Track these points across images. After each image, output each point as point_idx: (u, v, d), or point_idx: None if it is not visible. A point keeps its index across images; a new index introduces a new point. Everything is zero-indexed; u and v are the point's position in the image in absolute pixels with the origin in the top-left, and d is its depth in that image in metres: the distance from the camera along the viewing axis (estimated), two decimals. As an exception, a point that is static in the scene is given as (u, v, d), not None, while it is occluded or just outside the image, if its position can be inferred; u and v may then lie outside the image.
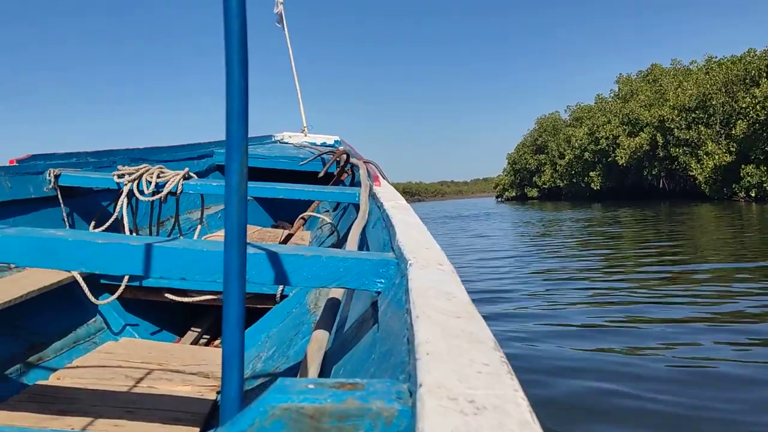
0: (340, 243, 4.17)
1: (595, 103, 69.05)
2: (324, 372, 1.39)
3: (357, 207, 3.91)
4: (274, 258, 1.47)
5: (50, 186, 3.80)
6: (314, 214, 5.39)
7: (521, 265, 10.29)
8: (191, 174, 3.74)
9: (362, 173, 4.06)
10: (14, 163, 3.67)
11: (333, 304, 1.56)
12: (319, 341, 1.28)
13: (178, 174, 3.64)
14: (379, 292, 1.40)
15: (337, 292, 1.62)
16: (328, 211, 6.00)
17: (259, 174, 6.26)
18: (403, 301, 1.04)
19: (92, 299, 3.26)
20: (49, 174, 3.81)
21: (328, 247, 4.29)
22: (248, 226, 6.06)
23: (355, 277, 1.41)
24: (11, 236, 1.63)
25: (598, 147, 59.80)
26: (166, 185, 3.57)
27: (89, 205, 4.13)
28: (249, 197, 3.82)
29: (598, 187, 62.15)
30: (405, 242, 1.47)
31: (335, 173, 5.38)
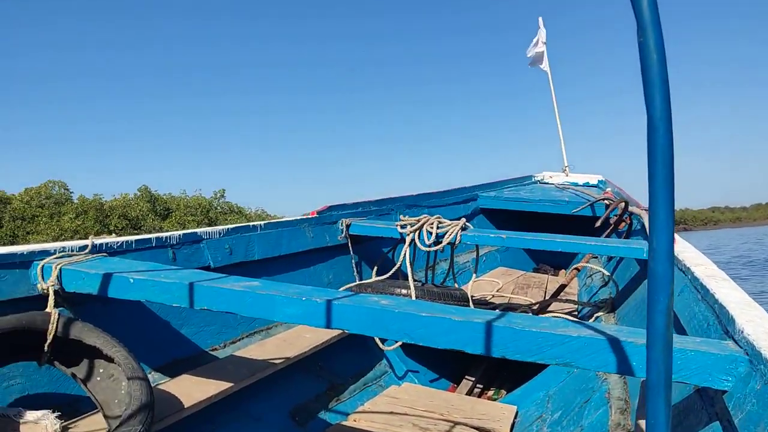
0: (618, 301, 3.99)
1: None
2: None
3: (640, 263, 3.81)
4: (602, 340, 1.41)
5: (343, 235, 4.10)
6: (588, 265, 5.09)
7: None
8: (467, 224, 3.83)
9: (648, 225, 3.69)
10: (315, 215, 3.99)
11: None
12: None
13: (455, 225, 3.76)
14: (725, 391, 1.26)
15: None
16: (596, 257, 5.73)
17: (521, 217, 6.21)
18: None
19: (380, 345, 3.50)
20: (342, 224, 4.11)
21: (603, 302, 4.12)
22: (509, 270, 6.10)
23: (694, 372, 1.25)
24: (346, 305, 1.77)
25: None
26: (445, 236, 3.70)
27: (372, 252, 4.39)
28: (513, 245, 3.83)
29: None
30: (753, 333, 1.28)
31: (611, 221, 5.10)
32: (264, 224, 3.44)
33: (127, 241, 2.60)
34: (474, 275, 4.33)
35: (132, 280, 2.08)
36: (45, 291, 2.17)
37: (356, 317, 1.76)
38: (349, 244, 4.15)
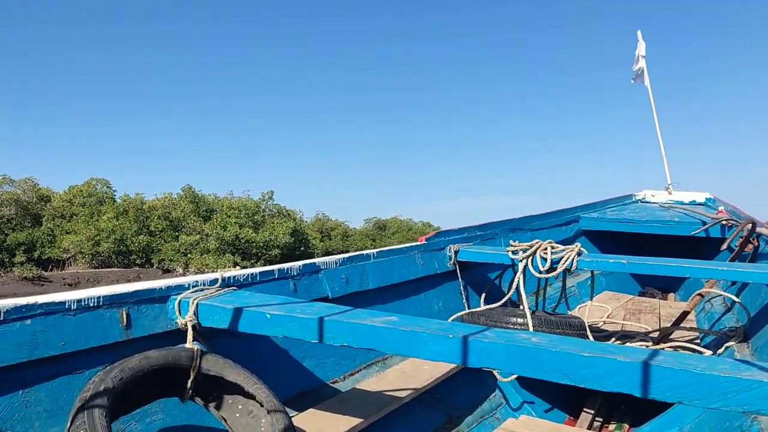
0: (752, 330, 3.69)
1: None
2: None
3: None
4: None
5: (451, 262, 4.18)
6: (713, 290, 4.68)
7: None
8: (582, 249, 3.77)
9: None
10: (423, 241, 4.16)
11: None
12: None
13: (571, 250, 3.71)
14: None
15: None
16: (717, 281, 5.04)
17: (625, 239, 6.16)
18: None
19: (497, 376, 3.44)
20: (449, 250, 4.22)
21: (732, 330, 3.81)
22: (616, 294, 6.01)
23: None
24: (497, 344, 1.72)
25: None
26: (561, 262, 3.66)
27: (480, 278, 4.46)
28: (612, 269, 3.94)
29: None
30: None
31: (736, 243, 4.69)
32: (376, 252, 3.61)
33: (252, 274, 2.76)
34: (590, 302, 4.39)
35: (269, 316, 2.16)
36: (184, 326, 2.30)
37: (507, 356, 1.71)
38: (458, 271, 4.16)
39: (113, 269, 38.07)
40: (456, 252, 4.11)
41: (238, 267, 4.07)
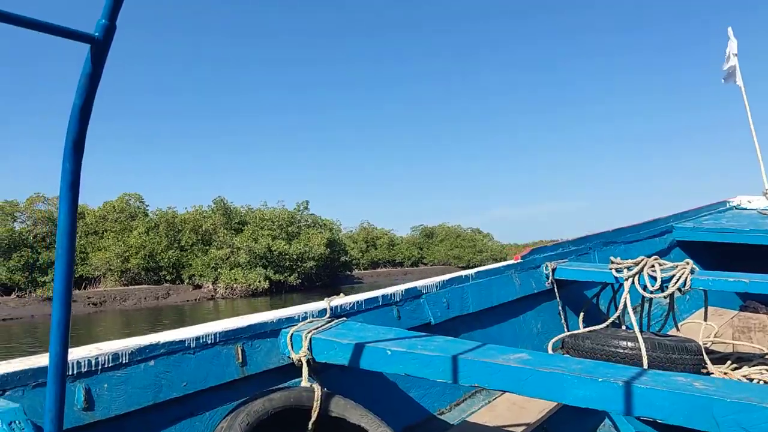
0: None
1: None
2: None
3: None
4: None
5: (549, 280, 4.02)
6: None
7: None
8: (695, 267, 3.61)
9: None
10: (519, 259, 3.93)
11: None
12: None
13: (683, 268, 3.54)
14: None
15: None
16: None
17: (723, 250, 5.83)
18: None
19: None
20: (546, 268, 4.03)
21: None
22: (717, 309, 5.51)
23: None
24: (657, 391, 1.61)
25: None
26: (672, 281, 3.48)
27: (577, 297, 4.27)
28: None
29: None
30: None
31: None
32: (474, 273, 3.50)
33: (357, 302, 2.72)
34: (703, 323, 4.10)
35: (389, 352, 2.11)
36: (298, 362, 2.27)
37: (671, 405, 1.61)
38: (555, 290, 4.04)
39: (142, 286, 37.05)
40: (553, 270, 4.03)
41: (342, 295, 3.01)
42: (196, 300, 36.49)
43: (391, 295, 2.90)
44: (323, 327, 2.34)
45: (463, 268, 72.85)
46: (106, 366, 1.84)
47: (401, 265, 70.61)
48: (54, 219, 39.51)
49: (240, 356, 2.19)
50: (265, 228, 42.75)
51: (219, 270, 38.52)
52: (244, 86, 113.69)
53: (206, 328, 2.18)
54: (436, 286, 3.19)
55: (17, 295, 31.60)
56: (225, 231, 41.23)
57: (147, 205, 43.51)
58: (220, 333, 2.17)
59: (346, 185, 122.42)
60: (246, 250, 39.08)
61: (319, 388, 2.12)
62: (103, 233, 39.30)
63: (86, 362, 1.80)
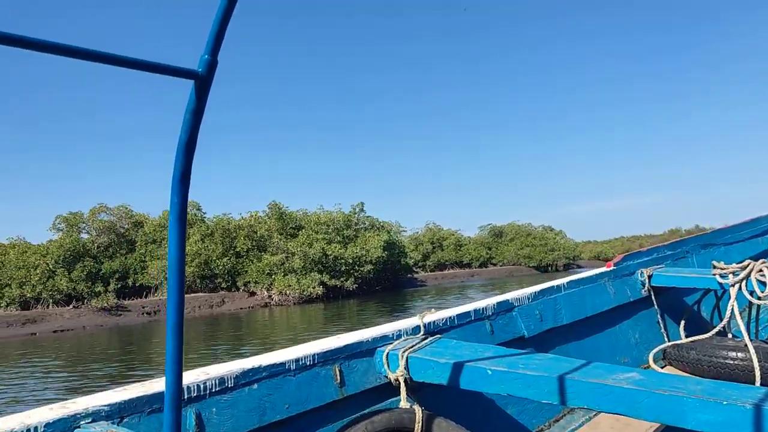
0: None
1: None
2: None
3: None
4: None
5: (645, 288, 3.88)
6: None
7: None
8: None
9: None
10: (612, 266, 3.82)
11: None
12: None
13: None
14: None
15: None
16: None
17: None
18: None
19: None
20: (641, 274, 3.90)
21: None
22: None
23: None
24: None
25: None
26: None
27: (676, 304, 4.11)
28: None
29: None
30: None
31: None
32: (566, 283, 3.44)
33: (450, 318, 2.70)
34: None
35: (489, 372, 2.07)
36: (396, 381, 2.27)
37: None
38: (653, 297, 3.93)
39: (196, 294, 36.73)
40: (649, 276, 3.87)
41: (433, 310, 2.78)
42: (250, 307, 35.81)
43: (483, 309, 2.88)
44: (419, 345, 2.34)
45: (535, 267, 70.31)
46: (213, 390, 1.89)
47: (469, 266, 68.23)
48: (116, 229, 40.05)
49: (338, 377, 2.21)
50: (321, 232, 41.66)
51: (273, 276, 37.72)
52: (303, 89, 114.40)
53: (304, 350, 2.20)
54: (528, 298, 3.14)
55: (74, 306, 31.83)
56: (279, 236, 40.45)
57: (204, 213, 43.49)
58: (318, 354, 2.18)
59: (411, 186, 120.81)
60: (300, 255, 38.09)
61: (420, 409, 2.12)
62: (161, 242, 39.42)
63: (195, 387, 1.85)
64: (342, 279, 40.11)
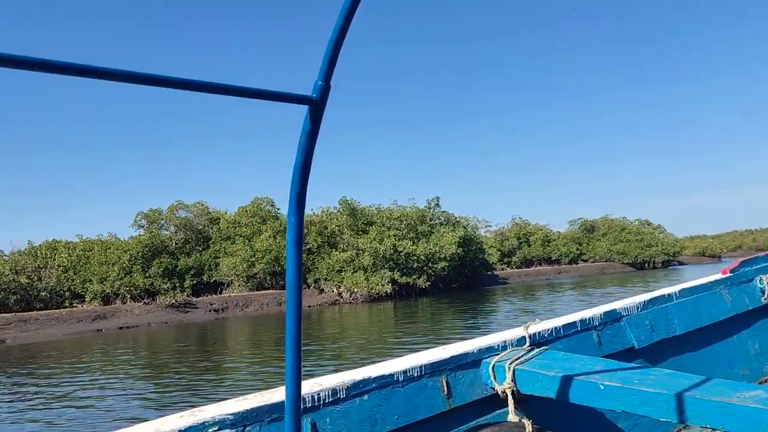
0: None
1: None
2: None
3: None
4: None
5: (765, 295, 3.73)
6: None
7: None
8: None
9: None
10: (727, 273, 3.69)
11: None
12: None
13: None
14: None
15: None
16: None
17: None
18: None
19: None
20: (760, 281, 3.77)
21: None
22: None
23: None
24: None
25: None
26: None
27: None
28: None
29: None
30: None
31: None
32: (678, 291, 3.35)
33: (555, 328, 2.67)
34: None
35: (602, 387, 2.04)
36: (503, 394, 2.26)
37: None
38: None
39: (265, 292, 36.47)
40: None
41: (537, 320, 2.64)
42: (319, 305, 35.10)
43: (589, 319, 2.82)
44: (525, 357, 2.32)
45: (629, 264, 65.57)
46: (327, 401, 1.95)
47: (558, 262, 64.74)
48: (193, 226, 40.73)
49: (445, 388, 2.23)
50: (392, 228, 40.31)
51: (343, 273, 36.83)
52: (383, 87, 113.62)
53: (411, 361, 2.23)
54: (637, 307, 3.05)
55: (144, 302, 32.39)
56: (350, 232, 39.53)
57: (278, 209, 43.37)
58: (425, 366, 2.20)
59: (496, 181, 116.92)
60: (370, 252, 36.94)
61: (529, 422, 2.11)
62: (234, 239, 39.65)
63: (310, 398, 1.92)
64: (414, 276, 38.57)
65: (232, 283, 37.33)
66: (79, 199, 73.75)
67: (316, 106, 1.13)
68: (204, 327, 26.94)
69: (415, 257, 38.72)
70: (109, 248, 37.21)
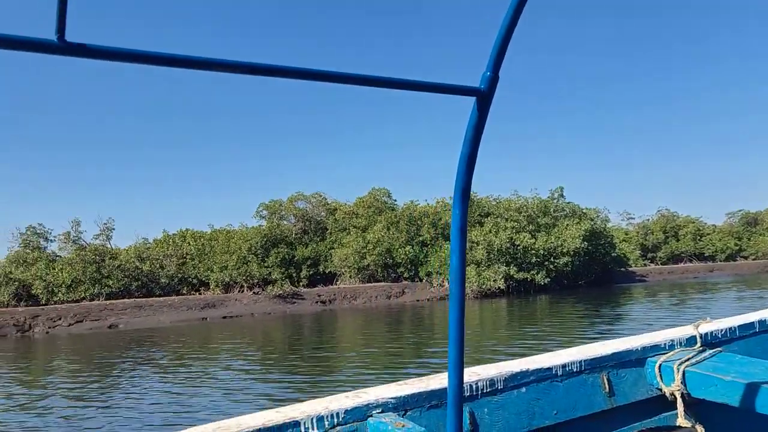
0: None
1: None
2: None
3: None
4: None
5: None
6: None
7: None
8: None
9: None
10: None
11: None
12: None
13: None
14: None
15: None
16: None
17: None
18: None
19: None
20: None
21: None
22: None
23: None
24: None
25: None
26: None
27: None
28: None
29: None
30: None
31: None
32: None
33: (730, 328, 2.54)
34: None
35: None
36: (671, 396, 2.17)
37: None
38: None
39: (375, 284, 35.78)
40: None
41: (708, 319, 2.42)
42: (428, 300, 33.77)
43: None
44: (696, 359, 2.23)
45: (801, 262, 56.84)
46: (484, 391, 1.96)
47: (712, 259, 57.76)
48: (311, 216, 41.27)
49: (607, 386, 2.17)
50: (510, 219, 37.80)
51: (454, 267, 35.17)
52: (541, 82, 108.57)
53: (570, 356, 2.17)
54: None
55: (254, 292, 33.08)
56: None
57: (394, 200, 42.62)
58: (585, 361, 2.16)
59: (643, 172, 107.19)
60: (484, 245, 34.87)
61: (702, 429, 2.04)
62: (349, 230, 39.53)
63: (468, 387, 1.92)
64: (533, 272, 35.87)
65: (343, 274, 37.21)
66: (223, 189, 78.37)
67: (484, 97, 1.12)
68: (307, 319, 26.81)
69: (533, 251, 36.00)
70: (232, 238, 38.73)
